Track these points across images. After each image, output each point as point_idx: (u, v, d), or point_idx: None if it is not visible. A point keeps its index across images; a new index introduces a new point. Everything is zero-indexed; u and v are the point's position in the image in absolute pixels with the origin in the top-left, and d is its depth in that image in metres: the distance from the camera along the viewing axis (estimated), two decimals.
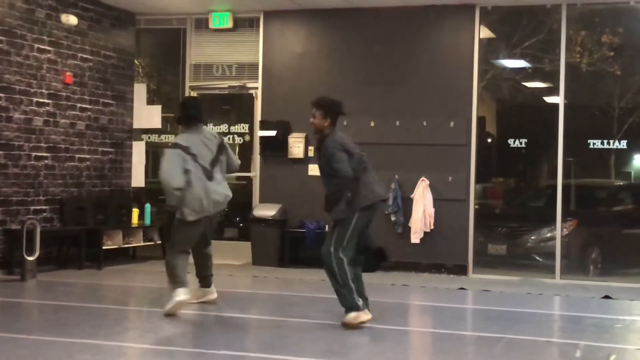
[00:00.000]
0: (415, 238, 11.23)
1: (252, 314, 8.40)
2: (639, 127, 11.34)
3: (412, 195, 11.28)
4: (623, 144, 11.13)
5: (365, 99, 11.51)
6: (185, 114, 8.01)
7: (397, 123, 11.45)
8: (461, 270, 11.21)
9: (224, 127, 12.56)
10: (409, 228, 11.28)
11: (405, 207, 11.30)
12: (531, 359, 6.54)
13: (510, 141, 11.50)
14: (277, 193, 11.92)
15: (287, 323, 7.56)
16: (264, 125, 12.02)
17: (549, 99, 11.84)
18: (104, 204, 11.78)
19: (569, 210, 11.33)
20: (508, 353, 6.66)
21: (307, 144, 11.74)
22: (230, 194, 7.96)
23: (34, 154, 10.73)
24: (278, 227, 11.70)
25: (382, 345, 6.80)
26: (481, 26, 11.36)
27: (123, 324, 7.58)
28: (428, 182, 11.24)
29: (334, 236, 7.27)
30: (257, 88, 12.28)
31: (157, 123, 12.58)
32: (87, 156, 11.66)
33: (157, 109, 12.61)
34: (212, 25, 12.32)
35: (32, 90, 10.70)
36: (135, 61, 12.77)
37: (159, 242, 11.67)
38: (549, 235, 11.29)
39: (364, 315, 7.27)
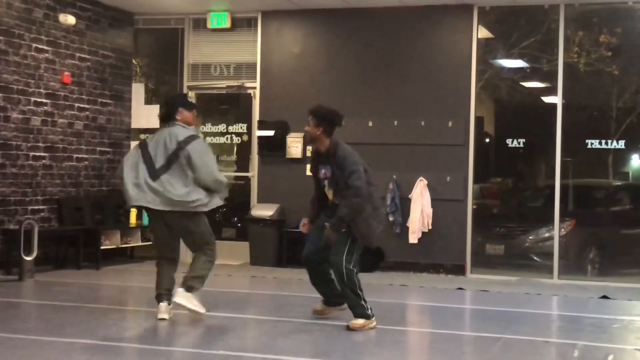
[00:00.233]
0: (413, 238, 11.23)
1: (250, 314, 8.39)
2: (636, 127, 11.34)
3: (410, 195, 11.27)
4: (621, 144, 11.13)
5: (363, 98, 11.52)
6: (159, 113, 8.05)
7: (395, 123, 11.45)
8: (459, 270, 11.21)
9: (222, 127, 12.57)
10: (407, 228, 11.28)
11: (403, 207, 11.29)
12: (529, 359, 6.54)
13: (508, 141, 11.50)
14: (275, 193, 11.92)
15: (285, 323, 7.56)
16: (262, 125, 12.02)
17: (547, 99, 11.83)
18: (102, 203, 11.78)
19: (567, 210, 11.34)
20: (506, 353, 6.67)
21: (305, 144, 11.74)
22: (189, 198, 7.22)
23: (31, 153, 10.73)
24: (276, 227, 11.69)
25: (381, 346, 6.80)
26: (479, 26, 11.37)
27: (121, 324, 7.57)
28: (426, 182, 11.24)
29: (345, 248, 7.18)
30: (255, 88, 12.27)
31: (155, 123, 12.50)
32: (85, 156, 11.66)
33: (155, 109, 12.56)
34: (210, 25, 12.31)
35: (30, 90, 10.69)
36: (133, 61, 12.77)
37: None
38: (547, 235, 11.28)
39: (372, 323, 7.26)
